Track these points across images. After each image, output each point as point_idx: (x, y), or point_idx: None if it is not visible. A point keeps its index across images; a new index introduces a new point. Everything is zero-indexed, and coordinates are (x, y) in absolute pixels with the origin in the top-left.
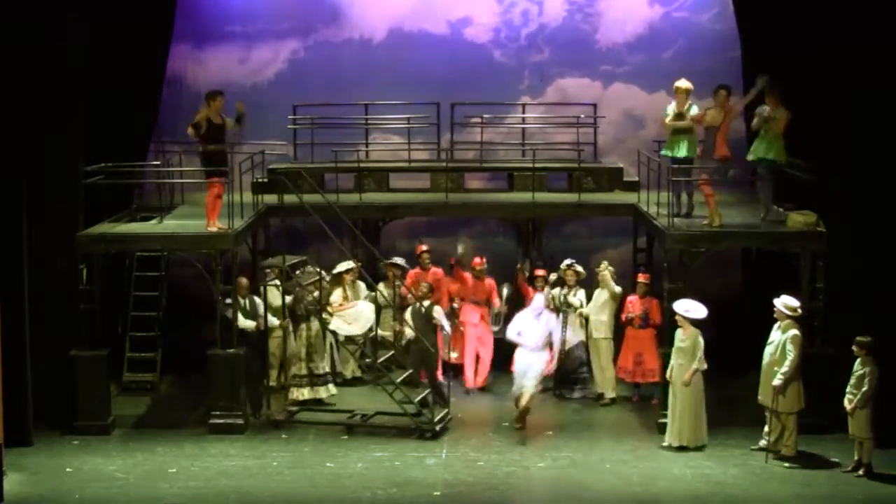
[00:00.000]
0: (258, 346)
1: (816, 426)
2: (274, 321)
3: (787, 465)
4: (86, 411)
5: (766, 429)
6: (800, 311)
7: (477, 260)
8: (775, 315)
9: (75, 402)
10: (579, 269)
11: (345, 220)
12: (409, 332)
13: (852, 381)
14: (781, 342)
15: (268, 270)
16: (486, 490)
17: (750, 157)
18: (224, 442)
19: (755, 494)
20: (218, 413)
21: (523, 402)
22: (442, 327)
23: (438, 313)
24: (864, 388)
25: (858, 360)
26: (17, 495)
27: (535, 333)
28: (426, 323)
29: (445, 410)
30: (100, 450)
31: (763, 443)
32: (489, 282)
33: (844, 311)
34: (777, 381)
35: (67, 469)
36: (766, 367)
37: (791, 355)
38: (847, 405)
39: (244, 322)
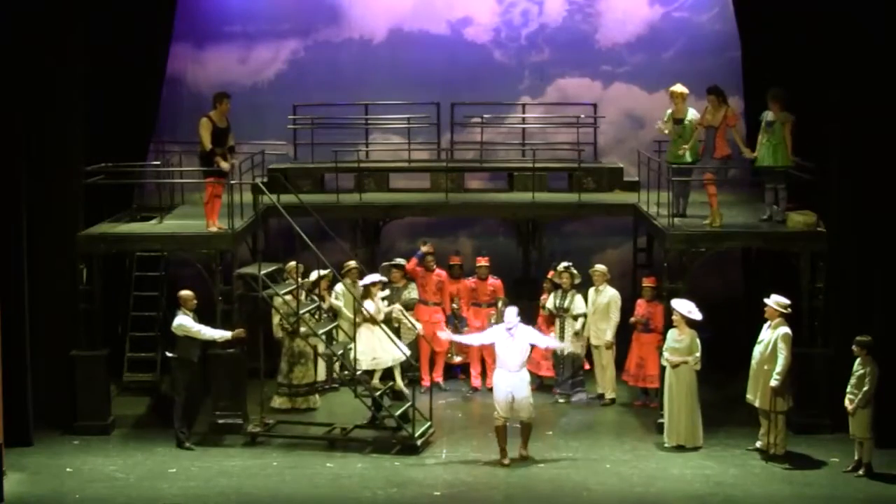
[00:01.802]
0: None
1: (816, 426)
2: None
3: (785, 466)
4: (86, 411)
5: (763, 430)
6: (790, 308)
7: (480, 259)
8: (766, 314)
9: (75, 402)
10: (575, 272)
11: (318, 219)
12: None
13: (852, 381)
14: (772, 341)
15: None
16: (486, 490)
17: (757, 164)
18: (224, 442)
19: (755, 494)
20: (218, 413)
21: (522, 438)
22: (412, 327)
23: (399, 313)
24: (865, 388)
25: (858, 360)
26: (17, 495)
27: (514, 353)
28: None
29: (428, 424)
30: (100, 450)
31: (759, 444)
32: (493, 282)
33: (844, 311)
34: (774, 383)
35: (67, 469)
36: (756, 366)
37: (783, 354)
38: (848, 405)
39: (211, 332)
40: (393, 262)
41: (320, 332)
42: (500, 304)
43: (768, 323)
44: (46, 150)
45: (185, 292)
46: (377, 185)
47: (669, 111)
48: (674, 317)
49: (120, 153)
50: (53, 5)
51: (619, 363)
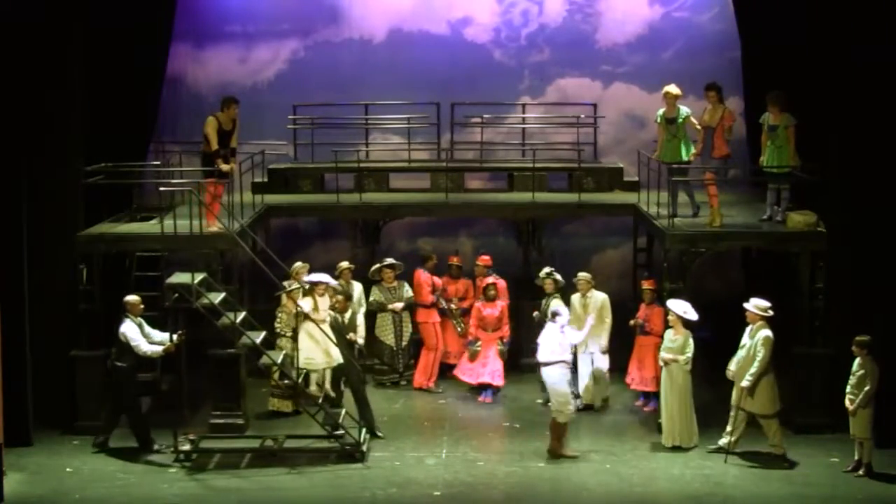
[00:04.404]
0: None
1: (816, 426)
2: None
3: (785, 466)
4: (86, 411)
5: (728, 428)
6: (771, 311)
7: (484, 258)
8: (748, 319)
9: (75, 402)
10: (559, 277)
11: (259, 241)
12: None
13: (852, 381)
14: (753, 345)
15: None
16: (486, 490)
17: (764, 166)
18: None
19: (755, 494)
20: (218, 413)
21: (553, 431)
22: (355, 341)
23: (361, 323)
24: (867, 388)
25: (858, 361)
26: (17, 495)
27: (544, 346)
28: (342, 335)
29: (364, 430)
30: (100, 450)
31: (722, 442)
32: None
33: (844, 311)
34: (746, 382)
35: (67, 469)
36: (739, 371)
37: (760, 355)
38: (848, 405)
39: (148, 347)
40: (384, 263)
41: (257, 340)
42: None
43: (750, 327)
44: (46, 150)
45: (131, 297)
46: (377, 185)
47: (660, 111)
48: (669, 317)
49: (120, 153)
50: (53, 5)
51: (621, 367)
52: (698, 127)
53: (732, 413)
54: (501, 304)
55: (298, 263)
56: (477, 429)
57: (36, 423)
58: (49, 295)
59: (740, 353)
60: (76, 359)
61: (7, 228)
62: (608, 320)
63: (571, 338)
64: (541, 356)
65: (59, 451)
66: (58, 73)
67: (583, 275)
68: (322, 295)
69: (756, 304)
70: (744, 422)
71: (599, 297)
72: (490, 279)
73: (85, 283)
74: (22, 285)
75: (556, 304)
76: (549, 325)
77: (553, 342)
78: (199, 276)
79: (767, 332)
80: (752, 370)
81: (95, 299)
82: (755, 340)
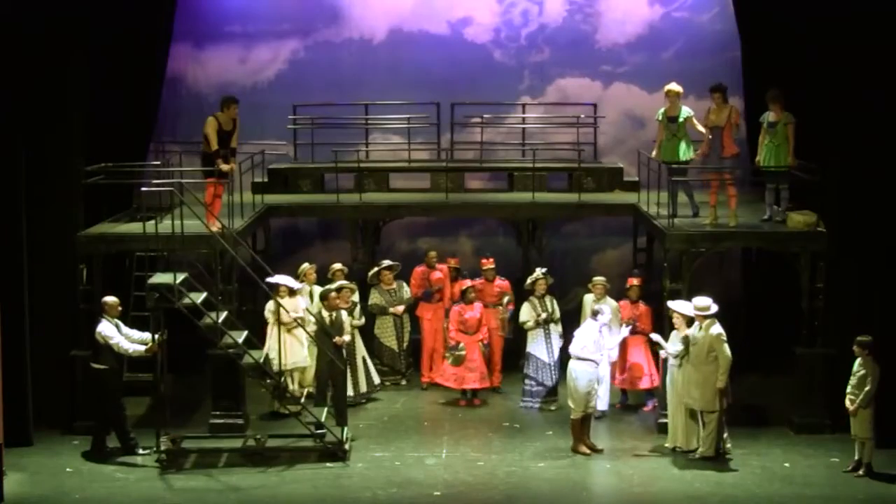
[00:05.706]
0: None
1: (816, 426)
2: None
3: (786, 466)
4: (86, 411)
5: (706, 432)
6: (713, 307)
7: (484, 260)
8: (696, 319)
9: (75, 402)
10: (549, 277)
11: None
12: (347, 339)
13: (853, 381)
14: (707, 342)
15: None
16: (486, 490)
17: (761, 165)
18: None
19: (755, 494)
20: (218, 413)
21: (571, 424)
22: (343, 341)
23: (346, 321)
24: (868, 388)
25: (858, 361)
26: (17, 495)
27: (578, 341)
28: (328, 337)
29: (346, 429)
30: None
31: (701, 451)
32: (500, 283)
33: (844, 311)
34: (720, 384)
35: (67, 469)
36: (691, 368)
37: (724, 353)
38: (849, 405)
39: (128, 345)
40: (382, 266)
41: (240, 340)
42: (505, 300)
43: (696, 324)
44: (46, 150)
45: (109, 298)
46: (377, 185)
47: (662, 110)
48: (674, 319)
49: (120, 153)
50: (54, 5)
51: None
52: (700, 128)
53: (702, 419)
54: (480, 306)
55: (306, 265)
56: (477, 429)
57: (36, 423)
58: (49, 295)
59: (693, 350)
60: (76, 359)
61: (7, 228)
62: (616, 329)
63: (609, 341)
64: (572, 349)
65: (59, 451)
66: (58, 73)
67: (599, 279)
68: (283, 297)
69: (696, 305)
70: (714, 421)
71: (612, 305)
72: (497, 281)
73: (85, 283)
74: (22, 285)
75: (587, 301)
76: (588, 322)
77: (588, 339)
78: (180, 277)
79: (719, 329)
80: (722, 368)
81: (95, 299)
82: (709, 338)
